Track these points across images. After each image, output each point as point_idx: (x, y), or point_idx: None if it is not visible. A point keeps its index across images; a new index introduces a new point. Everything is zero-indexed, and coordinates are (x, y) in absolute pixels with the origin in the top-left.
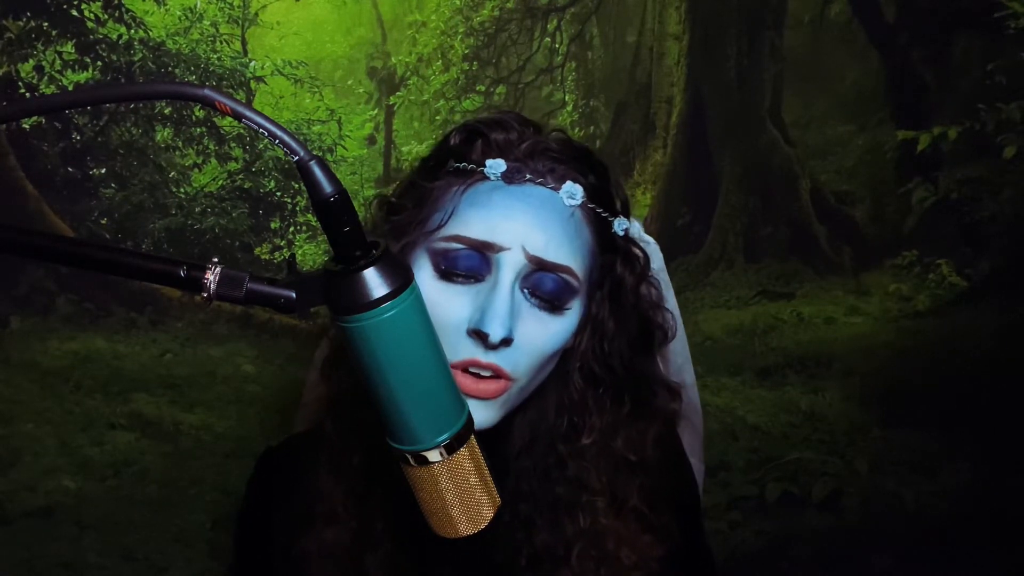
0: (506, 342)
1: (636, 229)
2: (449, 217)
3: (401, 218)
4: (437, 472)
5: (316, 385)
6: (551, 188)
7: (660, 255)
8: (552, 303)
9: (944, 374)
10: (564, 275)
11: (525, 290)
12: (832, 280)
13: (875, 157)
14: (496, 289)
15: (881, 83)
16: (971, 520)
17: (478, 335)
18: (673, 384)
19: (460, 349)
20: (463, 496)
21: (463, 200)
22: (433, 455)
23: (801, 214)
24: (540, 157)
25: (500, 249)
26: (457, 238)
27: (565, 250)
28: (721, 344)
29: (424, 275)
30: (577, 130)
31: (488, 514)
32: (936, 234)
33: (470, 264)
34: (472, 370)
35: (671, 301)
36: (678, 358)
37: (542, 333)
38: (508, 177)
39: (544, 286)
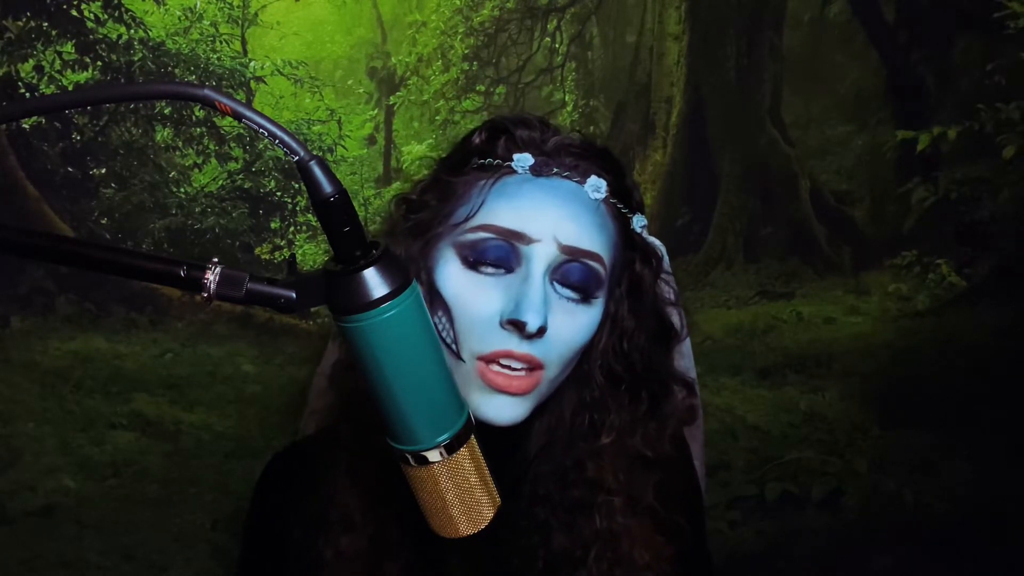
0: (542, 331)
1: None
2: (478, 209)
3: (423, 215)
4: (437, 472)
5: (325, 391)
6: (576, 182)
7: (667, 257)
8: (581, 293)
9: (944, 374)
10: (594, 263)
11: (554, 282)
12: (832, 280)
13: (875, 157)
14: (529, 280)
15: (881, 83)
16: (971, 520)
17: (514, 325)
18: (689, 379)
19: (492, 341)
20: (463, 496)
21: (492, 192)
22: (433, 455)
23: (801, 214)
24: (564, 153)
25: (531, 241)
26: (487, 227)
27: (596, 239)
28: (721, 344)
29: (451, 268)
30: (577, 130)
31: (488, 514)
32: (936, 234)
33: (499, 254)
34: (504, 362)
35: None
36: (684, 360)
37: (572, 324)
38: (536, 170)
39: (574, 275)
